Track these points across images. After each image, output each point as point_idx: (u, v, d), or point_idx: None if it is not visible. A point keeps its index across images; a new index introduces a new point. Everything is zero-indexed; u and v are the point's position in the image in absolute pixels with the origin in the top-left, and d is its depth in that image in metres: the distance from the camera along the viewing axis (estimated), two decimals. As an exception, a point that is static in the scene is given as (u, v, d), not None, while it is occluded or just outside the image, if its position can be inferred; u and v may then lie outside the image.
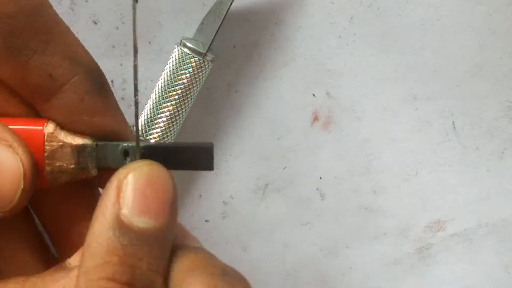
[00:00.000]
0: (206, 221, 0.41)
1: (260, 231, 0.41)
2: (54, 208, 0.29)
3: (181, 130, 0.39)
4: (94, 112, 0.27)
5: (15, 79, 0.25)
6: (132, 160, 0.26)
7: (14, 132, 0.25)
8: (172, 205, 0.23)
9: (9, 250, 0.28)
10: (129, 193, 0.23)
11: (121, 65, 0.38)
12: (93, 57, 0.27)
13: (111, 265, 0.22)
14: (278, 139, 0.40)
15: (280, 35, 0.39)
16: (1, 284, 0.25)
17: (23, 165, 0.24)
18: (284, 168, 0.41)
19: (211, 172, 0.40)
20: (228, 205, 0.41)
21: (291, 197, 0.41)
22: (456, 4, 0.39)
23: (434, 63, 0.40)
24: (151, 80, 0.38)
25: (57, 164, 0.26)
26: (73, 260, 0.25)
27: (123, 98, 0.38)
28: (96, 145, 0.27)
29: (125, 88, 0.39)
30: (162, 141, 0.28)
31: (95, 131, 0.27)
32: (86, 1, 0.36)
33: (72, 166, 0.27)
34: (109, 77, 0.37)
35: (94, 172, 0.27)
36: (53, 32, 0.25)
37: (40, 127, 0.26)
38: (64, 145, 0.26)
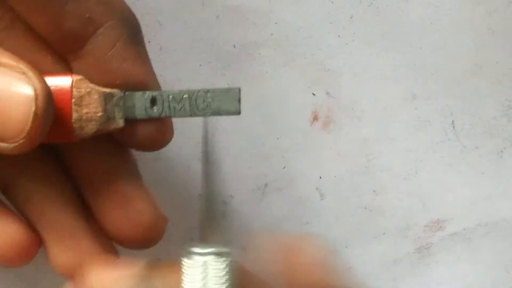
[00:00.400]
0: (206, 220, 0.41)
1: (260, 231, 0.41)
2: (86, 167, 0.29)
3: (182, 129, 0.39)
4: (124, 58, 0.27)
5: (51, 27, 0.25)
6: (159, 108, 0.26)
7: (28, 64, 0.25)
8: None
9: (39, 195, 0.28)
10: None
11: (121, 64, 0.38)
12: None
13: None
14: (278, 138, 0.40)
15: (280, 35, 0.39)
16: None
17: (35, 90, 0.24)
18: (283, 168, 0.41)
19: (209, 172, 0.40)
20: (228, 205, 0.41)
21: (291, 197, 0.41)
22: (456, 4, 0.39)
23: (434, 62, 0.40)
24: (151, 80, 0.38)
25: (84, 111, 0.26)
26: None
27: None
28: (124, 93, 0.27)
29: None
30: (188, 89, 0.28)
31: (124, 79, 0.27)
32: (86, 1, 0.36)
33: (99, 114, 0.27)
34: (109, 77, 0.38)
35: (121, 122, 0.27)
36: None
37: (69, 76, 0.26)
38: (91, 91, 0.26)
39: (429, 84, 0.40)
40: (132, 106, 0.27)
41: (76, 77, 0.26)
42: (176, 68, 0.38)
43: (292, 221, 0.42)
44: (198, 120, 0.40)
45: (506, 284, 0.45)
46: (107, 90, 0.27)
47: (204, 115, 0.27)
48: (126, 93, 0.27)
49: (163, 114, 0.27)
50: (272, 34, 0.39)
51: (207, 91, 0.27)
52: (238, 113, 0.27)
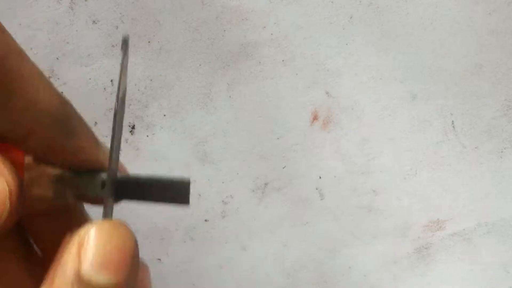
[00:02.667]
0: (206, 220, 0.41)
1: (260, 231, 0.41)
2: (41, 231, 0.30)
3: (182, 129, 0.39)
4: (64, 153, 0.27)
5: None
6: (109, 190, 0.26)
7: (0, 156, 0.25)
8: (133, 260, 0.24)
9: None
10: (90, 248, 0.23)
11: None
12: (93, 57, 0.27)
13: None
14: (278, 138, 0.40)
15: (279, 35, 0.39)
16: None
17: (9, 187, 0.24)
18: (283, 168, 0.41)
19: (210, 171, 0.40)
20: (228, 205, 0.41)
21: (291, 197, 0.41)
22: (456, 4, 0.39)
23: (433, 62, 0.40)
24: (151, 80, 0.38)
25: (35, 192, 0.27)
26: None
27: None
28: (74, 174, 0.27)
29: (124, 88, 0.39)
30: (138, 174, 0.28)
31: (67, 164, 0.27)
32: (85, 1, 0.36)
33: (50, 195, 0.27)
34: (108, 77, 0.38)
35: (72, 200, 0.27)
36: (15, 83, 0.25)
37: (20, 158, 0.27)
38: (42, 173, 0.27)
39: (429, 84, 0.40)
40: (82, 187, 0.27)
41: (28, 158, 0.27)
42: (176, 68, 0.38)
43: (292, 221, 0.42)
44: (199, 120, 0.40)
45: (506, 284, 0.45)
46: (58, 172, 0.27)
47: (153, 202, 0.27)
48: (76, 173, 0.27)
49: (112, 196, 0.28)
50: (272, 34, 0.39)
51: (158, 180, 0.27)
52: (187, 204, 0.27)
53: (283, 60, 0.39)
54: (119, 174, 0.27)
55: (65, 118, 0.27)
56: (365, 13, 0.39)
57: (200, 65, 0.38)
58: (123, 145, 0.39)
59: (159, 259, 0.42)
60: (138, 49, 0.38)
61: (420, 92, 0.41)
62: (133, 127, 0.39)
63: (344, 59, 0.39)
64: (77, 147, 0.27)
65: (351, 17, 0.39)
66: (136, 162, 0.40)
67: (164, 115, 0.39)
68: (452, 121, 0.41)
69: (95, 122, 0.38)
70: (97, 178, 0.27)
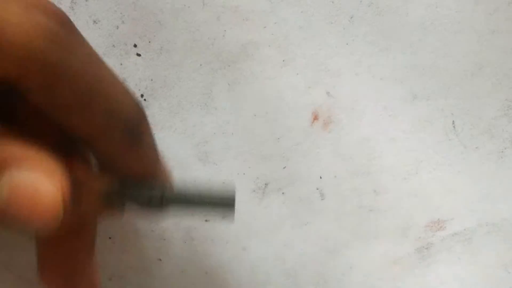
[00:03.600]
0: (206, 220, 0.41)
1: (260, 231, 0.41)
2: None
3: (182, 129, 0.39)
4: (125, 161, 0.28)
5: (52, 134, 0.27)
6: (156, 204, 0.28)
7: (49, 158, 0.25)
8: None
9: None
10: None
11: (121, 64, 0.38)
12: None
13: None
14: (278, 138, 0.40)
15: (280, 35, 0.39)
16: None
17: (61, 189, 0.25)
18: (284, 168, 0.41)
19: (211, 172, 0.40)
20: (228, 205, 0.41)
21: (291, 197, 0.41)
22: (456, 4, 0.39)
23: (434, 62, 0.40)
24: (151, 80, 0.38)
25: (84, 203, 0.27)
26: None
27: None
28: (124, 188, 0.28)
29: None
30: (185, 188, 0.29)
31: (127, 175, 0.28)
32: (86, 1, 0.36)
33: (97, 211, 0.28)
34: (109, 77, 0.38)
35: (120, 213, 0.28)
36: (99, 85, 0.26)
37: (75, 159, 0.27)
38: (91, 191, 0.27)
39: (429, 84, 0.40)
40: (130, 200, 0.28)
41: (77, 169, 0.27)
42: (176, 68, 0.38)
43: (293, 221, 0.42)
44: (199, 120, 0.40)
45: (506, 284, 0.45)
46: (106, 184, 0.27)
47: (197, 214, 0.28)
48: (126, 188, 0.28)
49: (159, 210, 0.28)
50: (272, 33, 0.39)
51: (204, 197, 0.28)
52: (232, 217, 0.28)
53: (283, 60, 0.39)
54: (166, 191, 0.28)
55: (136, 125, 0.27)
56: (366, 13, 0.39)
57: (200, 65, 0.38)
58: (123, 145, 0.39)
59: (160, 259, 0.42)
60: (139, 49, 0.38)
61: (420, 92, 0.41)
62: (133, 127, 0.39)
63: (344, 59, 0.39)
64: (139, 157, 0.28)
65: (351, 17, 0.39)
66: (136, 162, 0.40)
67: (165, 115, 0.39)
68: (453, 121, 0.41)
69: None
70: (146, 192, 0.28)
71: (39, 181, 0.25)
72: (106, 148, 0.27)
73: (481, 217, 0.43)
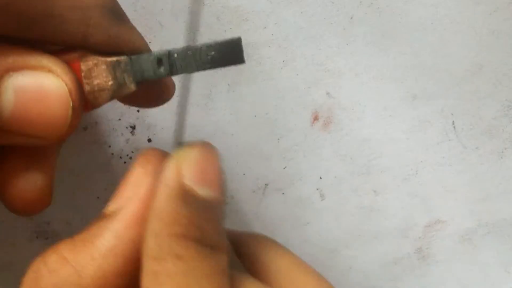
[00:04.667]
0: (206, 221, 0.41)
1: (261, 231, 0.41)
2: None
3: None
4: (121, 41, 0.28)
5: (42, 43, 0.26)
6: (166, 67, 0.28)
7: (48, 55, 0.25)
8: (224, 180, 0.25)
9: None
10: (189, 167, 0.24)
11: (121, 65, 0.38)
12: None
13: (179, 225, 0.23)
14: (278, 139, 0.40)
15: (280, 35, 0.39)
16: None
17: (67, 85, 0.25)
18: (284, 168, 0.41)
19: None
20: (228, 205, 0.41)
21: (291, 197, 0.41)
22: (456, 4, 0.39)
23: (434, 63, 0.40)
24: (151, 80, 0.38)
25: (95, 82, 0.27)
26: (112, 208, 0.25)
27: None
28: (130, 58, 0.28)
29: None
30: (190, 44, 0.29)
31: (121, 50, 0.28)
32: (86, 1, 0.36)
33: (110, 83, 0.27)
34: (109, 77, 0.38)
35: (132, 86, 0.28)
36: None
37: (73, 52, 0.27)
38: (98, 62, 0.27)
39: (429, 84, 0.40)
40: (140, 70, 0.28)
41: (81, 52, 0.27)
42: (176, 68, 0.38)
43: (292, 221, 0.42)
44: (199, 120, 0.40)
45: (507, 284, 0.45)
46: (114, 58, 0.27)
47: (210, 68, 0.28)
48: (132, 57, 0.28)
49: (170, 73, 0.28)
50: (272, 34, 0.39)
51: (210, 45, 0.28)
52: (243, 62, 0.28)
53: (283, 61, 0.39)
54: (172, 49, 0.28)
55: (113, 5, 0.28)
56: (366, 13, 0.39)
57: (200, 65, 0.38)
58: (123, 145, 0.39)
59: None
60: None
61: (420, 92, 0.41)
62: (133, 128, 0.39)
63: (344, 59, 0.39)
64: (130, 33, 0.28)
65: (351, 18, 0.39)
66: (136, 163, 0.40)
67: (165, 116, 0.39)
68: (453, 121, 0.41)
69: (96, 122, 0.38)
70: (152, 57, 0.28)
71: (43, 78, 0.24)
72: (101, 40, 0.27)
73: (481, 217, 0.43)
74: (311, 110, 0.40)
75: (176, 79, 0.31)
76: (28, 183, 0.28)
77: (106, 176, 0.39)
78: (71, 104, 0.25)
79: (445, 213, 0.43)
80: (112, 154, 0.39)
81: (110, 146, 0.39)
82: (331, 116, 0.40)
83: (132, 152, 0.39)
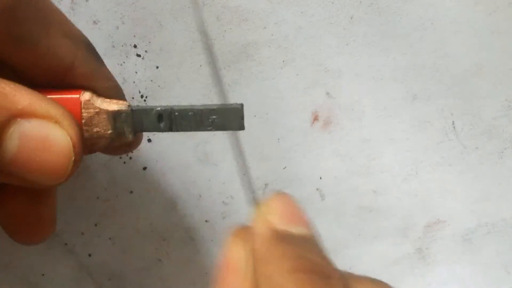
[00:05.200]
0: (206, 221, 0.41)
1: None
2: None
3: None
4: (104, 78, 0.29)
5: (28, 67, 0.27)
6: (166, 123, 0.28)
7: (57, 104, 0.26)
8: (308, 218, 0.26)
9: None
10: (274, 214, 0.25)
11: (121, 65, 0.38)
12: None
13: (288, 260, 0.23)
14: (278, 139, 0.40)
15: (280, 35, 0.39)
16: None
17: (71, 139, 0.25)
18: (284, 168, 0.41)
19: (211, 172, 0.40)
20: (228, 206, 0.41)
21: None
22: (456, 4, 0.39)
23: (434, 63, 0.40)
24: (151, 80, 0.38)
25: (95, 130, 0.28)
26: None
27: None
28: (132, 110, 0.28)
29: (125, 89, 0.39)
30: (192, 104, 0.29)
31: (109, 96, 0.29)
32: (86, 1, 0.36)
33: (109, 132, 0.28)
34: (109, 77, 0.38)
35: (130, 136, 0.28)
36: (51, 16, 0.27)
37: (77, 95, 0.27)
38: (100, 111, 0.28)
39: (429, 84, 0.40)
40: (139, 122, 0.28)
41: (84, 97, 0.28)
42: (176, 68, 0.38)
43: (292, 221, 0.42)
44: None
45: (506, 284, 0.45)
46: (115, 107, 0.28)
47: (209, 130, 0.28)
48: (134, 109, 0.28)
49: (170, 129, 0.28)
50: (272, 34, 0.39)
51: (212, 109, 0.28)
52: (242, 129, 0.28)
53: (283, 61, 0.39)
54: (174, 107, 0.28)
55: (93, 47, 0.29)
56: (366, 13, 0.39)
57: (200, 65, 0.38)
58: (123, 145, 0.39)
59: (160, 260, 0.42)
60: (139, 49, 0.37)
61: (420, 92, 0.41)
62: (133, 128, 0.39)
63: (344, 59, 0.39)
64: (109, 76, 0.29)
65: (351, 18, 0.39)
66: (136, 162, 0.40)
67: (165, 116, 0.39)
68: (453, 121, 0.41)
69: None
70: (154, 111, 0.28)
71: (49, 129, 0.25)
72: (84, 73, 0.27)
73: (481, 217, 0.43)
74: (311, 110, 0.40)
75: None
76: (31, 216, 0.29)
77: (106, 176, 0.39)
78: (72, 158, 0.26)
79: (445, 213, 0.43)
80: (112, 154, 0.39)
81: (110, 146, 0.39)
82: (331, 116, 0.40)
83: (132, 152, 0.39)
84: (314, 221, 0.42)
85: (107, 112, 0.28)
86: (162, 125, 0.28)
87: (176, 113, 0.28)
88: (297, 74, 0.39)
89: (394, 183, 0.42)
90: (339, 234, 0.42)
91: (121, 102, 0.28)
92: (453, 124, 0.41)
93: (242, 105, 0.28)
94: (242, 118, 0.28)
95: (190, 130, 0.28)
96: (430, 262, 0.44)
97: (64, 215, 0.40)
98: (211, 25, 0.38)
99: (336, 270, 0.24)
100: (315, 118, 0.40)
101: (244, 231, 0.26)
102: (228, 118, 0.28)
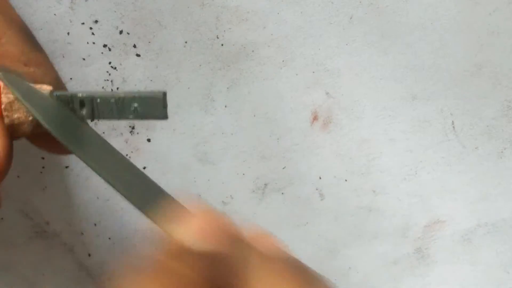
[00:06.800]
0: (206, 221, 0.41)
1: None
2: None
3: (182, 130, 0.39)
4: (34, 63, 0.27)
5: None
6: (88, 110, 0.27)
7: None
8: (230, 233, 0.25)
9: None
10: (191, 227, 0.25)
11: (121, 64, 0.38)
12: (93, 57, 0.28)
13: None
14: (278, 139, 0.40)
15: (280, 35, 0.39)
16: None
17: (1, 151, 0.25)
18: (283, 168, 0.41)
19: (210, 172, 0.40)
20: (228, 205, 0.41)
21: (291, 197, 0.41)
22: (456, 4, 0.39)
23: (433, 63, 0.40)
24: (151, 80, 0.38)
25: (15, 116, 0.27)
26: None
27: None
28: (55, 96, 0.27)
29: (124, 89, 0.39)
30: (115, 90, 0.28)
31: (36, 82, 0.27)
32: (86, 1, 0.36)
33: (30, 118, 0.27)
34: (108, 77, 0.38)
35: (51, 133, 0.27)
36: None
37: None
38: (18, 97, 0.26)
39: (429, 84, 0.40)
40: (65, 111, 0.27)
41: (2, 83, 0.26)
42: (176, 68, 0.38)
43: (292, 221, 0.42)
44: (199, 120, 0.40)
45: (506, 284, 0.45)
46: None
47: (132, 119, 0.27)
48: (56, 94, 0.27)
49: (91, 117, 0.27)
50: (272, 34, 0.39)
51: (133, 97, 0.27)
52: (165, 118, 0.27)
53: (283, 61, 0.39)
54: (96, 93, 0.27)
55: (31, 33, 0.28)
56: (365, 13, 0.39)
57: (200, 65, 0.38)
58: (123, 145, 0.39)
59: (159, 260, 0.42)
60: (138, 49, 0.38)
61: (420, 92, 0.41)
62: (133, 128, 0.39)
63: (344, 59, 0.39)
64: (43, 63, 0.28)
65: (351, 18, 0.39)
66: (136, 162, 0.40)
67: (164, 116, 0.39)
68: (452, 121, 0.41)
69: (95, 122, 0.38)
70: (76, 97, 0.27)
71: None
72: (12, 52, 0.27)
73: (481, 217, 0.43)
74: (311, 110, 0.40)
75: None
76: None
77: (106, 176, 0.39)
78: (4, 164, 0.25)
79: (445, 213, 0.43)
80: (112, 154, 0.39)
81: (109, 146, 0.39)
82: (330, 116, 0.40)
83: (132, 152, 0.39)
84: (314, 221, 0.42)
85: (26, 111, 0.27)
86: (84, 112, 0.27)
87: (98, 100, 0.27)
88: (297, 74, 0.39)
89: (393, 183, 0.42)
90: (338, 234, 0.42)
91: (44, 87, 0.27)
92: (452, 124, 0.41)
93: (164, 93, 0.27)
94: (165, 106, 0.27)
95: (112, 118, 0.27)
96: (429, 262, 0.44)
97: (64, 215, 0.40)
98: (211, 25, 0.38)
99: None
100: (315, 118, 0.40)
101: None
102: (150, 107, 0.27)
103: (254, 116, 0.40)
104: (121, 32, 0.37)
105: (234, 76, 0.39)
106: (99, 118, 0.27)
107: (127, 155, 0.39)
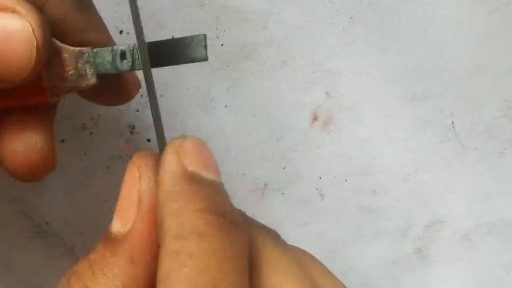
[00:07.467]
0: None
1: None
2: None
3: (182, 130, 0.39)
4: (78, 28, 0.27)
5: None
6: (129, 61, 0.27)
7: (22, 2, 0.25)
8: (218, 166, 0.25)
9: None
10: (187, 155, 0.24)
11: (121, 65, 0.38)
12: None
13: (199, 201, 0.22)
14: (278, 139, 0.40)
15: (280, 35, 0.39)
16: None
17: (30, 24, 0.24)
18: (283, 168, 0.41)
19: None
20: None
21: (291, 197, 0.41)
22: (456, 4, 0.39)
23: (433, 63, 0.40)
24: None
25: (55, 70, 0.26)
26: (121, 228, 0.25)
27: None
28: (93, 50, 0.27)
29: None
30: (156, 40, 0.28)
31: (79, 42, 0.27)
32: (85, 1, 0.36)
33: (70, 73, 0.27)
34: (108, 77, 0.38)
35: (93, 79, 0.27)
36: None
37: None
38: (61, 50, 0.26)
39: (428, 84, 0.40)
40: (102, 62, 0.27)
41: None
42: (176, 68, 0.38)
43: (292, 221, 0.42)
44: (198, 120, 0.40)
45: (506, 284, 0.45)
46: (77, 48, 0.27)
47: (173, 64, 0.27)
48: (96, 49, 0.27)
49: (133, 67, 0.27)
50: (272, 34, 0.39)
51: (174, 41, 0.27)
52: (205, 59, 0.27)
53: (283, 61, 0.39)
54: (135, 44, 0.27)
55: None
56: (365, 13, 0.39)
57: (200, 65, 0.38)
58: (123, 145, 0.39)
59: (159, 260, 0.42)
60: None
61: (420, 92, 0.41)
62: (133, 128, 0.39)
63: (344, 59, 0.39)
64: (91, 24, 0.28)
65: (351, 18, 0.39)
66: (136, 163, 0.40)
67: (164, 116, 0.39)
68: (452, 121, 0.41)
69: (95, 122, 0.38)
70: (116, 49, 0.27)
71: (7, 20, 0.24)
72: (57, 16, 0.26)
73: (481, 217, 0.43)
74: (311, 110, 0.40)
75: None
76: (27, 144, 0.28)
77: (106, 176, 0.39)
78: (35, 44, 0.24)
79: (445, 213, 0.43)
80: (112, 154, 0.39)
81: (109, 146, 0.39)
82: (330, 116, 0.40)
83: (132, 152, 0.39)
84: (314, 221, 0.42)
85: (69, 51, 0.26)
86: (124, 63, 0.27)
87: (138, 51, 0.27)
88: (297, 74, 0.39)
89: (393, 183, 0.42)
90: (338, 234, 0.42)
91: (85, 49, 0.27)
92: (452, 124, 0.41)
93: (204, 35, 0.27)
94: (205, 47, 0.27)
95: (153, 67, 0.27)
96: (429, 262, 0.44)
97: (64, 215, 0.40)
98: (211, 25, 0.38)
99: (242, 218, 0.24)
100: (315, 118, 0.40)
101: (149, 159, 0.25)
102: (191, 49, 0.27)
103: (254, 116, 0.40)
104: (121, 32, 0.37)
105: (234, 76, 0.39)
106: (139, 68, 0.27)
107: (127, 155, 0.39)
